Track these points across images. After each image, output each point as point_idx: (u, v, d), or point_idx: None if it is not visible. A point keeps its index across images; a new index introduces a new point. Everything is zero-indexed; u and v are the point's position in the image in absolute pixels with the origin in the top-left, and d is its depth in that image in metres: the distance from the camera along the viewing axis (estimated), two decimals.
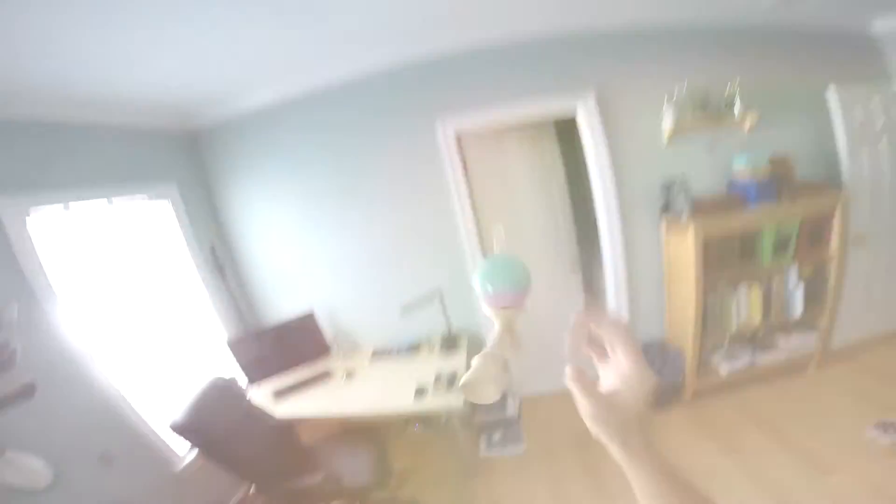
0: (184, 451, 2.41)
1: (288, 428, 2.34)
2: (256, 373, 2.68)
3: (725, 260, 2.57)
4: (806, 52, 2.74)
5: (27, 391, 1.60)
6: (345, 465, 2.21)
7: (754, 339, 2.84)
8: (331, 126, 2.78)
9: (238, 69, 2.33)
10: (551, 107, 2.65)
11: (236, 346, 2.63)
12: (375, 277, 3.02)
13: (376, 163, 2.81)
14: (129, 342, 2.30)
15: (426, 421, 3.21)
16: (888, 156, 2.70)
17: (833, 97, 2.65)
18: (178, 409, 1.84)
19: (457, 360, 2.64)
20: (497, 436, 2.91)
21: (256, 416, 2.24)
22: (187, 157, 2.88)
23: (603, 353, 0.49)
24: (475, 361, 0.49)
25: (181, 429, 1.77)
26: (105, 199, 2.29)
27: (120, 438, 2.05)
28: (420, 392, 2.34)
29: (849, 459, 2.07)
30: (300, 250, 3.04)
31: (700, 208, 2.51)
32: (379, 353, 2.98)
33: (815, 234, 2.58)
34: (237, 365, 2.62)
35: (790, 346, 2.72)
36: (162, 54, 1.89)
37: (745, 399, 2.74)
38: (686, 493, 0.45)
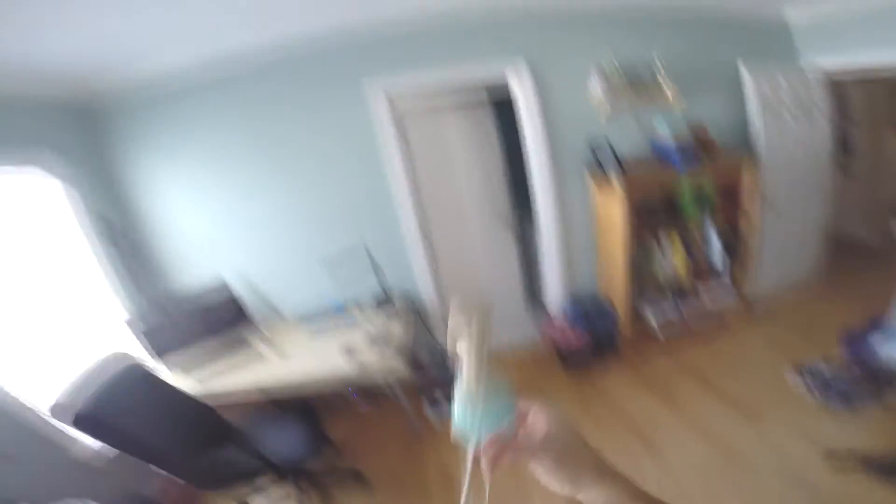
0: (91, 441, 2.14)
1: (203, 405, 2.14)
2: (165, 348, 2.43)
3: (651, 217, 2.75)
4: (724, 32, 2.98)
5: None
6: (273, 438, 2.09)
7: (682, 294, 3.02)
8: (249, 87, 2.66)
9: (141, 35, 2.13)
10: (485, 71, 2.74)
11: (139, 322, 2.38)
12: (298, 242, 2.94)
13: (297, 122, 2.74)
14: (21, 329, 2.08)
15: (366, 391, 3.21)
16: (793, 127, 2.97)
17: (746, 74, 2.89)
18: (76, 397, 1.56)
19: (392, 321, 2.62)
20: (438, 394, 2.94)
21: (166, 394, 2.02)
22: (82, 128, 2.62)
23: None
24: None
25: (83, 420, 1.51)
26: None
27: (19, 434, 1.91)
28: (351, 355, 2.30)
29: (775, 405, 2.28)
30: (212, 218, 2.89)
31: (627, 170, 2.67)
32: (305, 319, 2.86)
33: (730, 195, 2.81)
34: (142, 342, 2.37)
35: (713, 298, 2.93)
36: (56, 21, 1.76)
37: (677, 350, 2.94)
38: None
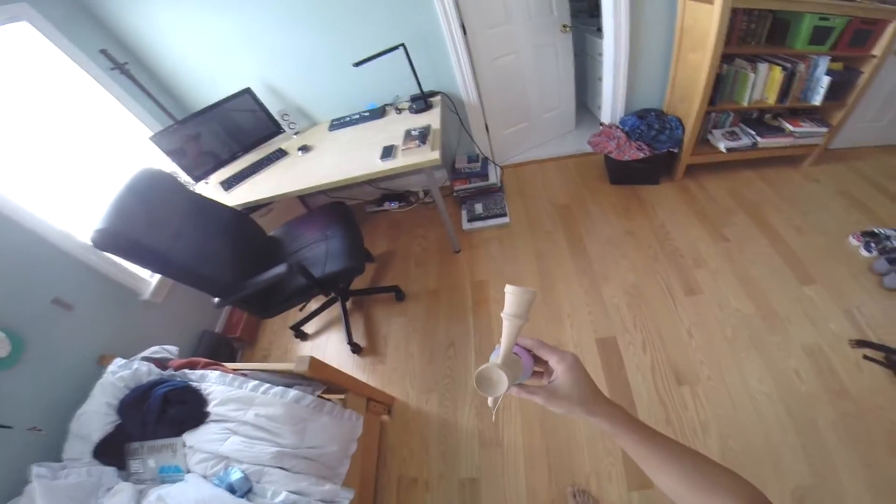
0: (147, 275, 2.16)
1: (244, 216, 2.12)
2: (198, 167, 2.41)
3: (751, 34, 2.31)
4: None
5: None
6: (312, 251, 2.05)
7: (761, 121, 2.75)
8: None
9: None
10: None
11: (165, 141, 2.24)
12: (325, 42, 2.55)
13: None
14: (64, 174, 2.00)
15: (402, 197, 3.32)
16: None
17: None
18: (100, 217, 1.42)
19: (430, 117, 2.46)
20: (479, 207, 2.98)
21: (204, 208, 1.89)
22: None
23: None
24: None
25: (103, 236, 1.36)
26: None
27: (74, 279, 1.81)
28: (388, 151, 2.21)
29: (828, 269, 2.08)
30: (225, 27, 2.45)
31: None
32: (338, 123, 2.74)
33: (860, 35, 2.23)
34: (174, 165, 2.31)
35: (798, 132, 2.56)
36: None
37: (738, 181, 2.74)
38: (669, 441, 0.49)
